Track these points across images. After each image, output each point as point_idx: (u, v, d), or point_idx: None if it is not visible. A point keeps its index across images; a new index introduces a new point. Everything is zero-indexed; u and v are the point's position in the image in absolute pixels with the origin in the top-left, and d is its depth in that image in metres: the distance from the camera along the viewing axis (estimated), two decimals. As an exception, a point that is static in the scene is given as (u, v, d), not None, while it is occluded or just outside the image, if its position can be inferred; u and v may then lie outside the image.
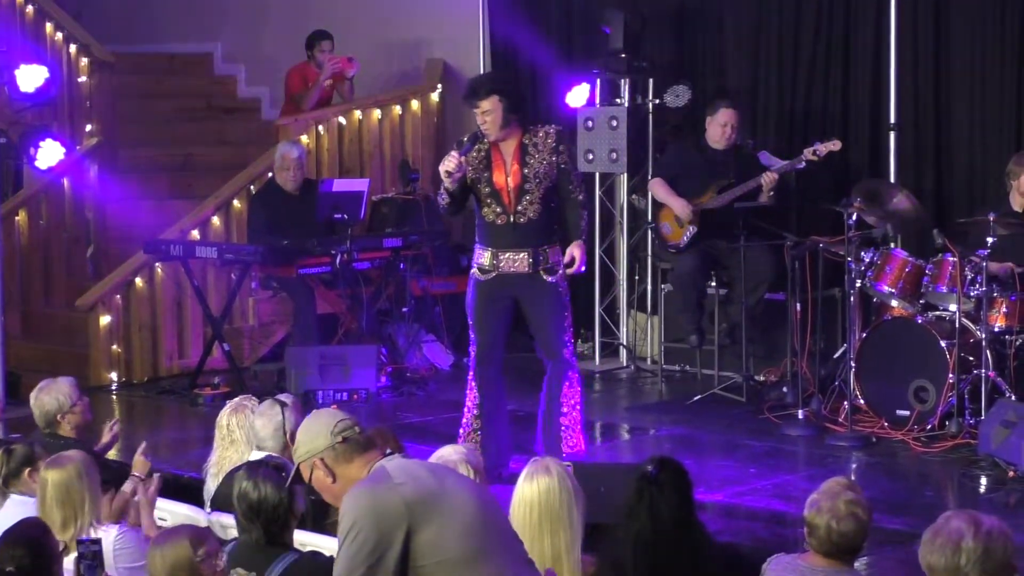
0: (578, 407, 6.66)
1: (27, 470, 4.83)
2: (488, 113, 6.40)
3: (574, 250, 6.55)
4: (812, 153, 8.10)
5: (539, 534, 4.02)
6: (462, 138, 6.65)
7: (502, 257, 6.51)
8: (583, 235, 6.64)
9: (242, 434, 5.27)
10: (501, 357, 6.74)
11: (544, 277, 6.52)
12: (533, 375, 8.40)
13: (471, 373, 6.69)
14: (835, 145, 8.07)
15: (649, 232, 9.02)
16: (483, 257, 6.57)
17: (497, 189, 6.48)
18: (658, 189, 8.55)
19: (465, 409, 6.72)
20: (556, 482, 4.07)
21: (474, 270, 6.63)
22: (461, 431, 6.70)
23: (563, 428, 6.60)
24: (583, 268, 6.65)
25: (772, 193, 8.26)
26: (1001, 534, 3.51)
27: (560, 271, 6.58)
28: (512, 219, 6.47)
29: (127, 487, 5.11)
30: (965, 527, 3.48)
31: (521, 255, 6.49)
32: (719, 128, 8.43)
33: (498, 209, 6.49)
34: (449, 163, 6.38)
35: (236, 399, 5.50)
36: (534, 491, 4.06)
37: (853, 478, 6.62)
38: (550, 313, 6.56)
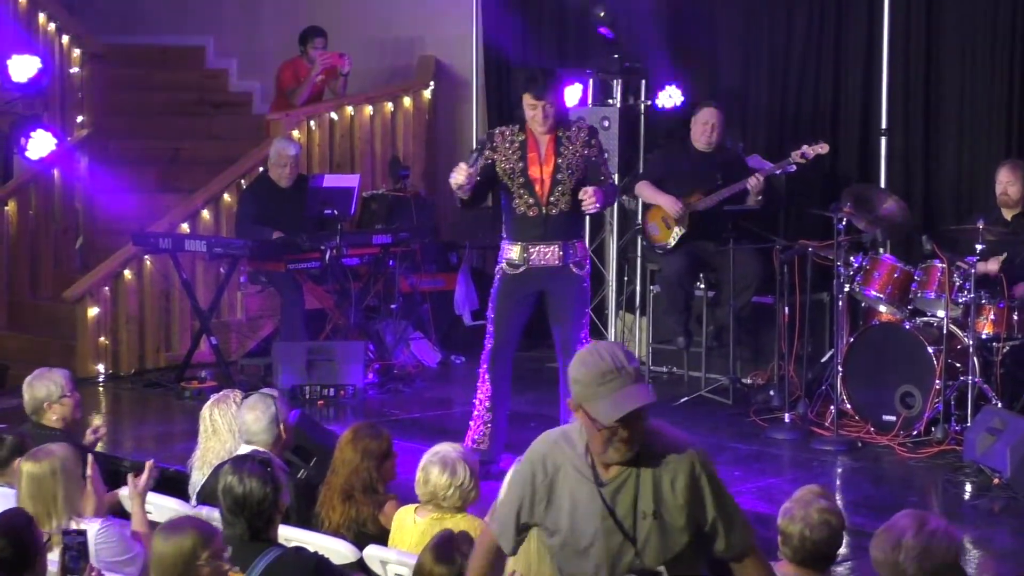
0: None
1: (16, 460, 4.81)
2: (549, 107, 6.47)
3: (591, 189, 6.42)
4: (800, 156, 8.12)
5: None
6: (475, 146, 6.66)
7: (533, 250, 6.56)
8: (606, 195, 6.52)
9: (224, 425, 5.27)
10: (514, 353, 6.79)
11: (573, 270, 6.59)
12: (531, 374, 8.45)
13: (484, 366, 6.71)
14: (822, 148, 8.09)
15: (638, 233, 9.03)
16: (512, 252, 6.60)
17: (531, 180, 6.52)
18: (645, 190, 8.55)
19: (476, 402, 6.73)
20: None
21: (502, 264, 6.65)
22: (472, 423, 6.72)
23: None
24: (597, 206, 6.44)
25: (760, 197, 8.27)
26: (945, 535, 3.47)
27: (587, 267, 6.67)
28: (544, 211, 6.51)
29: (95, 466, 5.06)
30: (909, 524, 3.47)
31: (552, 247, 6.54)
32: (700, 127, 8.45)
33: (530, 200, 6.52)
34: (459, 177, 6.41)
35: (220, 392, 5.51)
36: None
37: (837, 483, 6.65)
38: (573, 307, 6.60)
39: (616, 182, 9.22)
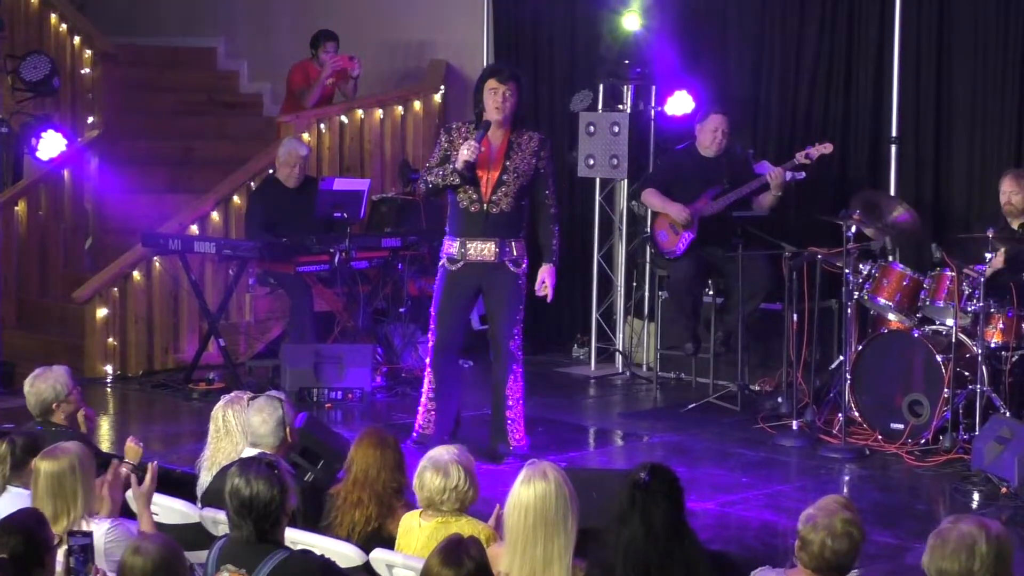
0: (521, 401, 6.93)
1: (32, 460, 4.80)
2: (508, 94, 6.72)
3: (545, 275, 6.90)
4: (804, 157, 8.12)
5: (533, 539, 3.99)
6: (462, 124, 6.96)
7: (470, 246, 6.82)
8: (555, 256, 6.95)
9: (237, 426, 5.26)
10: (459, 346, 7.08)
11: (509, 267, 6.83)
12: (537, 379, 8.47)
13: (427, 360, 7.00)
14: (826, 148, 8.09)
15: (647, 241, 9.02)
16: (452, 247, 6.88)
17: (477, 176, 6.76)
18: (651, 198, 8.56)
19: (422, 392, 7.05)
20: (552, 487, 4.04)
21: (443, 261, 6.93)
22: (419, 411, 7.03)
23: (509, 421, 6.87)
24: (552, 294, 6.94)
25: (779, 195, 8.26)
26: (1007, 537, 3.54)
27: (524, 265, 6.89)
28: (485, 207, 6.78)
29: (119, 471, 5.07)
30: (976, 531, 3.49)
31: (488, 244, 6.81)
32: (709, 134, 8.44)
33: (474, 196, 6.78)
34: (473, 153, 6.67)
35: (230, 393, 5.50)
36: (530, 495, 4.03)
37: (846, 491, 6.63)
38: (506, 302, 6.84)
39: (615, 191, 9.28)
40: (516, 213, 6.83)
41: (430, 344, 7.01)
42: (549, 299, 6.99)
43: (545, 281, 6.91)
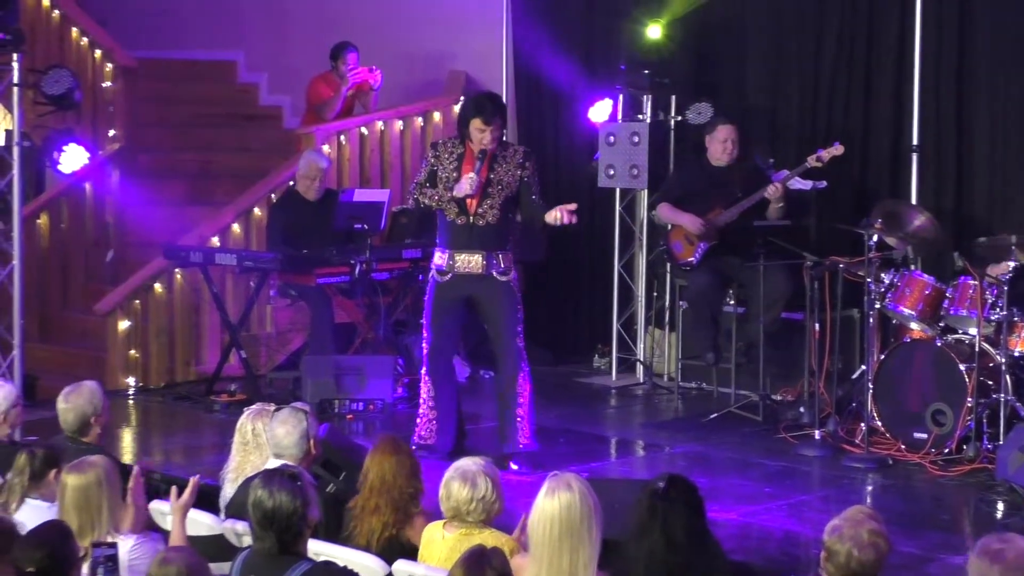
0: (529, 400, 7.00)
1: (51, 472, 4.81)
2: (496, 131, 6.90)
3: (559, 211, 6.74)
4: (815, 159, 8.10)
5: (559, 550, 3.96)
6: (447, 140, 7.12)
7: (457, 258, 6.97)
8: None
9: (267, 438, 5.26)
10: (452, 353, 7.31)
11: (497, 278, 6.96)
12: (558, 389, 8.44)
13: (424, 368, 7.13)
14: (837, 150, 8.08)
15: (664, 253, 9.01)
16: (440, 259, 7.01)
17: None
18: (665, 212, 8.56)
19: (420, 401, 7.17)
20: (577, 498, 4.01)
21: (432, 272, 7.07)
22: (418, 421, 7.14)
23: (517, 419, 6.96)
24: (575, 218, 6.83)
25: (782, 205, 8.24)
26: None
27: (513, 274, 7.02)
28: (471, 220, 6.92)
29: (139, 478, 5.06)
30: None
31: (475, 257, 6.94)
32: (719, 145, 8.44)
33: (458, 209, 6.91)
34: (473, 185, 6.82)
35: (255, 405, 5.50)
36: (555, 507, 4.00)
37: (869, 501, 6.60)
38: (503, 308, 6.97)
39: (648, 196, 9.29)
40: (502, 225, 6.96)
41: (424, 352, 7.15)
42: (573, 221, 6.80)
43: (563, 212, 6.75)
